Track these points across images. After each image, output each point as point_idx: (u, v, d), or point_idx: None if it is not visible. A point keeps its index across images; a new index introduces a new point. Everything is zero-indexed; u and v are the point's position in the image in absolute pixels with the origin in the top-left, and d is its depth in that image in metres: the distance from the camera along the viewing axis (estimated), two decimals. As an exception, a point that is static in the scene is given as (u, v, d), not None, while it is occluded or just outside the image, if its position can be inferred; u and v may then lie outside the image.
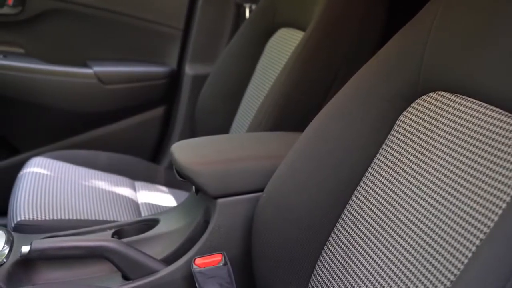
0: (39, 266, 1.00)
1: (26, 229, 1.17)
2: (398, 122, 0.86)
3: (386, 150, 0.86)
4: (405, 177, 0.80)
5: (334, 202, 0.89)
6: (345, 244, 0.87)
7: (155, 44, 2.00)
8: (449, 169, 0.74)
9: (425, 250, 0.73)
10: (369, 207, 0.84)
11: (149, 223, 1.11)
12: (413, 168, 0.80)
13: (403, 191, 0.80)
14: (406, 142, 0.83)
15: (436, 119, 0.79)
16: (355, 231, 0.85)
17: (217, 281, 0.95)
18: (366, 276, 0.81)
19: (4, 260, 0.96)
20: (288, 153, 0.97)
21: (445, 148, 0.76)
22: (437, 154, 0.77)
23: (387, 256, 0.78)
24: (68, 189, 1.35)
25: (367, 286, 0.80)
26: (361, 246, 0.83)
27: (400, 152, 0.83)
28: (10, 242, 1.00)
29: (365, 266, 0.81)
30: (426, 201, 0.75)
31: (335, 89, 1.19)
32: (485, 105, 0.73)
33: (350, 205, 0.88)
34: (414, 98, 0.84)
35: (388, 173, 0.83)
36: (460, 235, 0.68)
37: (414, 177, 0.79)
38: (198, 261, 0.96)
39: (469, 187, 0.70)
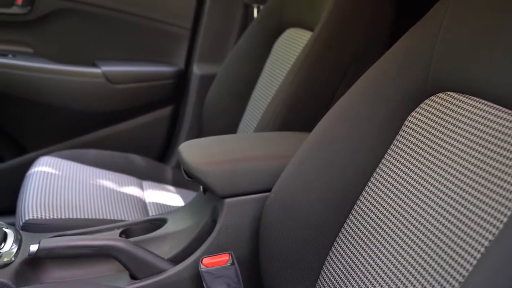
0: (47, 265, 1.00)
1: (34, 228, 1.18)
2: (406, 122, 0.85)
3: (395, 151, 0.85)
4: (413, 178, 0.80)
5: (342, 203, 0.89)
6: (352, 244, 0.86)
7: (163, 44, 2.00)
8: (458, 170, 0.74)
9: (434, 251, 0.72)
10: (377, 208, 0.84)
11: (157, 223, 1.11)
12: (421, 169, 0.79)
13: (411, 191, 0.79)
14: (414, 143, 0.83)
15: (445, 119, 0.79)
16: (363, 232, 0.85)
17: (224, 281, 0.95)
18: (373, 276, 0.81)
19: (13, 259, 0.96)
20: (296, 153, 0.97)
21: (454, 149, 0.76)
22: (446, 155, 0.77)
23: (395, 257, 0.78)
24: (76, 188, 1.35)
25: (374, 286, 0.80)
26: (369, 246, 0.83)
27: (409, 153, 0.83)
28: (18, 241, 1.01)
29: (373, 267, 0.81)
30: (435, 201, 0.75)
31: (343, 89, 1.19)
32: (494, 105, 0.73)
33: (358, 205, 0.88)
34: (422, 99, 0.84)
35: (397, 173, 0.83)
36: (469, 236, 0.68)
37: (423, 177, 0.79)
38: (206, 260, 0.96)
39: (478, 188, 0.70)
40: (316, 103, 1.31)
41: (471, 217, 0.69)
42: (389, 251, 0.79)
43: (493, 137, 0.71)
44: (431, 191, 0.76)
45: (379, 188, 0.85)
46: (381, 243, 0.81)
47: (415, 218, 0.77)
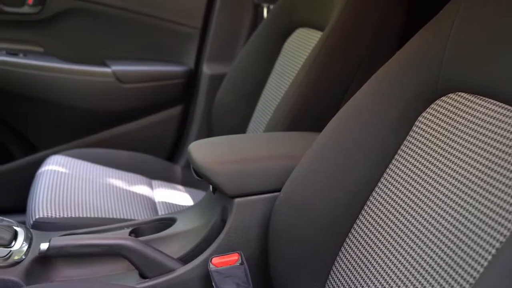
0: (57, 263, 1.01)
1: (44, 226, 1.18)
2: (417, 123, 0.85)
3: (405, 151, 0.85)
4: (424, 179, 0.80)
5: (352, 203, 0.89)
6: (362, 245, 0.86)
7: (173, 43, 2.00)
8: (469, 171, 0.74)
9: (444, 252, 0.72)
10: (387, 209, 0.84)
11: (166, 222, 1.12)
12: (432, 170, 0.79)
13: (422, 192, 0.79)
14: (425, 144, 0.82)
15: (456, 120, 0.79)
16: (372, 232, 0.85)
17: (233, 281, 0.95)
18: (383, 277, 0.80)
19: (23, 257, 0.97)
20: (305, 153, 0.97)
21: (465, 150, 0.76)
22: (458, 156, 0.76)
23: (405, 258, 0.78)
24: (86, 187, 1.36)
25: (384, 287, 0.80)
26: (379, 247, 0.83)
27: (420, 154, 0.82)
28: (29, 239, 1.01)
29: (383, 268, 0.81)
30: (446, 203, 0.75)
31: (353, 90, 1.19)
32: (506, 106, 0.72)
33: (368, 206, 0.88)
34: (433, 99, 0.84)
35: (407, 174, 0.83)
36: (480, 237, 0.68)
37: (434, 178, 0.78)
38: (215, 260, 0.96)
39: (489, 189, 0.70)
40: (326, 103, 1.31)
41: (483, 218, 0.69)
42: (399, 252, 0.79)
43: (505, 138, 0.71)
44: (442, 192, 0.76)
45: (390, 188, 0.85)
46: (391, 244, 0.81)
47: (425, 219, 0.77)
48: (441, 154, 0.79)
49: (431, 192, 0.78)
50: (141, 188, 1.47)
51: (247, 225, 1.00)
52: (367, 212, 0.88)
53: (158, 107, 1.97)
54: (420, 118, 0.85)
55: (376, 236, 0.84)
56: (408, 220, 0.80)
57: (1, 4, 1.83)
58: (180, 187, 1.60)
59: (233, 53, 1.94)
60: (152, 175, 1.61)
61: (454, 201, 0.74)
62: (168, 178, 1.64)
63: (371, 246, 0.84)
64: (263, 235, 1.00)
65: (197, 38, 2.00)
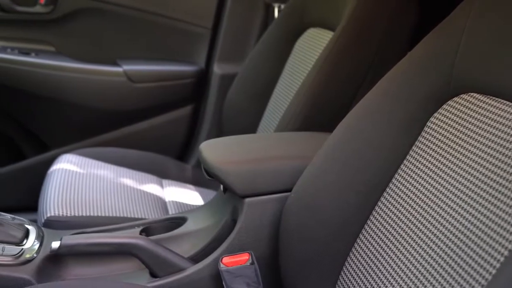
0: (68, 261, 1.01)
1: (55, 225, 1.19)
2: (429, 123, 0.85)
3: (417, 152, 0.85)
4: (436, 180, 0.80)
5: (362, 203, 0.89)
6: (373, 246, 0.86)
7: (184, 43, 2.01)
8: (481, 172, 0.73)
9: (456, 253, 0.72)
10: (398, 209, 0.84)
11: (177, 221, 1.12)
12: (444, 171, 0.79)
13: (434, 193, 0.79)
14: (437, 144, 0.82)
15: (468, 121, 0.78)
16: (383, 233, 0.85)
17: (244, 280, 0.95)
18: (394, 278, 0.80)
19: (35, 255, 0.97)
20: (317, 153, 0.97)
21: (477, 151, 0.75)
22: (470, 157, 0.76)
23: (416, 259, 0.77)
24: (97, 186, 1.36)
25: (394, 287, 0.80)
26: (390, 248, 0.83)
27: (431, 155, 0.82)
28: (40, 237, 1.02)
29: (394, 269, 0.81)
30: (458, 204, 0.74)
31: (364, 90, 1.18)
32: (519, 107, 0.72)
33: (379, 206, 0.88)
34: (445, 100, 0.83)
35: (419, 175, 0.83)
36: (492, 239, 0.68)
37: (446, 179, 0.78)
38: (226, 260, 0.96)
39: (503, 191, 0.69)
40: (337, 103, 1.31)
41: (495, 220, 0.68)
42: (410, 252, 0.79)
43: (518, 139, 0.70)
44: (454, 193, 0.76)
45: (401, 189, 0.85)
46: (402, 244, 0.81)
47: (437, 220, 0.77)
48: (453, 155, 0.79)
49: (443, 193, 0.77)
50: (152, 187, 1.47)
51: (257, 225, 1.00)
52: (378, 212, 0.87)
53: (169, 106, 1.97)
54: (431, 119, 0.85)
55: (387, 237, 0.84)
56: (420, 221, 0.79)
57: (14, 3, 1.84)
58: (191, 186, 1.60)
59: (244, 53, 1.94)
60: (163, 174, 1.61)
61: (466, 202, 0.73)
62: (178, 178, 1.64)
63: (382, 247, 0.84)
64: (274, 235, 1.00)
65: (208, 38, 2.00)
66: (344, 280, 0.90)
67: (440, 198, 0.77)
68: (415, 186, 0.82)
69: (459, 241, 0.72)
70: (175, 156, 1.98)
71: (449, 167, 0.78)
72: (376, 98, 0.92)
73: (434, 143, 0.83)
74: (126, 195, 1.37)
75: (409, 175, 0.84)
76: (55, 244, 0.96)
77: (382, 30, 1.30)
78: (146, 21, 1.96)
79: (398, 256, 0.81)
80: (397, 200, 0.85)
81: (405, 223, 0.82)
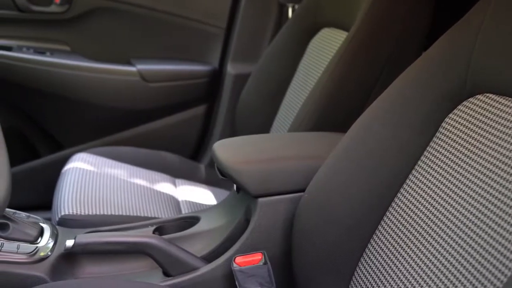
0: (82, 260, 1.02)
1: (69, 223, 1.19)
2: (443, 124, 0.84)
3: (431, 153, 0.84)
4: (451, 181, 0.79)
5: (376, 204, 0.88)
6: (387, 246, 0.86)
7: (197, 43, 2.01)
8: (497, 173, 0.73)
9: (470, 255, 0.71)
10: (413, 210, 0.83)
11: (190, 221, 1.12)
12: (459, 172, 0.78)
13: (449, 195, 0.78)
14: (452, 145, 0.81)
15: (484, 122, 0.78)
16: (397, 234, 0.84)
17: (257, 280, 0.95)
18: (407, 279, 0.80)
19: (49, 253, 0.98)
20: (330, 153, 0.96)
21: (493, 152, 0.75)
22: (485, 158, 0.75)
23: (431, 260, 0.77)
24: (111, 185, 1.37)
25: (408, 289, 0.79)
26: (404, 249, 0.82)
27: (446, 156, 0.82)
28: (54, 236, 1.02)
29: (407, 270, 0.80)
30: (474, 206, 0.74)
31: (378, 90, 1.18)
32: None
33: (393, 207, 0.87)
34: (460, 100, 0.83)
35: (433, 176, 0.82)
36: (508, 240, 0.67)
37: (461, 181, 0.77)
38: (239, 259, 0.96)
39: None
40: (350, 103, 1.30)
41: (510, 221, 0.68)
42: (424, 254, 0.78)
43: (534, 140, 0.70)
44: (470, 195, 0.75)
45: (415, 190, 0.84)
46: (416, 246, 0.80)
47: (452, 222, 0.76)
48: (468, 156, 0.78)
49: (458, 195, 0.77)
50: (165, 187, 1.47)
51: (270, 225, 1.00)
52: (392, 213, 0.87)
53: (183, 106, 1.98)
54: (446, 120, 0.84)
55: (401, 238, 0.83)
56: (434, 222, 0.79)
57: (29, 3, 1.85)
58: (204, 186, 1.61)
59: (257, 53, 1.95)
60: (176, 173, 1.62)
61: (482, 204, 0.73)
62: (191, 177, 1.65)
63: (395, 248, 0.84)
64: (287, 235, 1.00)
65: (221, 38, 2.00)
66: (358, 281, 0.90)
67: (455, 200, 0.77)
68: (430, 187, 0.82)
69: (474, 243, 0.72)
70: (188, 156, 1.98)
71: (465, 168, 0.78)
72: (391, 99, 0.92)
73: (449, 144, 0.82)
74: (139, 194, 1.37)
75: (424, 176, 0.84)
76: (69, 243, 0.96)
77: (396, 30, 1.29)
78: (160, 20, 1.96)
79: (412, 257, 0.80)
80: (411, 201, 0.84)
81: (419, 224, 0.81)
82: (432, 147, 0.85)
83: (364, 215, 0.89)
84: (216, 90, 2.00)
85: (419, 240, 0.80)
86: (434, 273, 0.76)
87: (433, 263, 0.77)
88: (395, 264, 0.83)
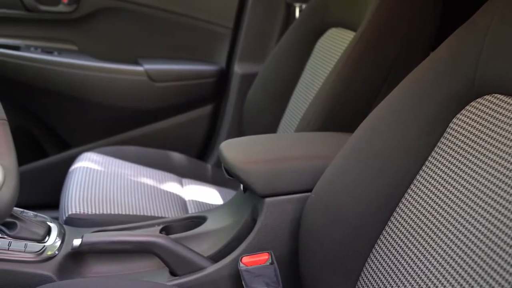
0: (89, 259, 1.02)
1: (77, 222, 1.20)
2: (451, 125, 0.84)
3: (439, 154, 0.84)
4: (459, 182, 0.79)
5: (383, 204, 0.88)
6: (394, 247, 0.86)
7: (204, 42, 2.02)
8: (505, 174, 0.72)
9: (478, 255, 0.71)
10: (420, 211, 0.83)
11: (197, 220, 1.12)
12: (467, 173, 0.78)
13: (456, 195, 0.78)
14: (460, 146, 0.81)
15: (492, 122, 0.78)
16: (404, 235, 0.84)
17: (263, 280, 0.95)
18: (415, 279, 0.80)
19: (56, 252, 0.98)
20: (337, 153, 0.96)
21: (501, 153, 0.74)
22: (493, 159, 0.75)
23: (438, 261, 0.77)
24: (118, 184, 1.37)
25: (416, 290, 0.79)
26: (411, 249, 0.82)
27: (454, 156, 0.81)
28: (62, 235, 1.03)
29: (414, 270, 0.80)
30: (481, 206, 0.74)
31: (385, 91, 1.18)
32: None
33: (400, 207, 0.87)
34: (468, 101, 0.83)
35: (441, 177, 0.82)
36: (515, 241, 0.67)
37: (469, 181, 0.77)
38: (245, 259, 0.96)
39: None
40: (358, 104, 1.30)
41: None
42: (432, 255, 0.78)
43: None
44: (477, 195, 0.75)
45: (423, 191, 0.84)
46: (423, 246, 0.80)
47: (459, 222, 0.76)
48: (476, 157, 0.78)
49: (466, 195, 0.77)
50: (172, 186, 1.48)
51: (277, 225, 1.00)
52: (399, 214, 0.87)
53: (190, 106, 1.98)
54: (454, 120, 0.84)
55: (408, 239, 0.83)
56: (442, 223, 0.79)
57: (37, 3, 1.86)
58: (210, 185, 1.61)
59: (264, 53, 1.95)
60: (183, 173, 1.62)
61: (490, 204, 0.73)
62: (198, 177, 1.65)
63: (403, 249, 0.84)
64: (294, 235, 1.00)
65: (229, 38, 2.00)
66: (364, 281, 0.90)
67: (463, 200, 0.77)
68: (437, 188, 0.82)
69: (482, 244, 0.71)
70: (195, 155, 1.98)
71: (472, 168, 0.77)
72: (398, 99, 0.92)
73: (457, 145, 0.82)
74: (146, 193, 1.37)
75: (431, 176, 0.84)
76: (77, 242, 0.97)
77: (404, 30, 1.29)
78: (168, 20, 1.97)
79: (419, 258, 0.80)
80: (419, 202, 0.84)
81: (427, 225, 0.81)
82: (440, 147, 0.84)
83: (371, 215, 0.89)
84: (223, 90, 2.00)
85: (427, 241, 0.80)
86: (441, 273, 0.76)
87: (440, 263, 0.76)
88: (402, 264, 0.83)
